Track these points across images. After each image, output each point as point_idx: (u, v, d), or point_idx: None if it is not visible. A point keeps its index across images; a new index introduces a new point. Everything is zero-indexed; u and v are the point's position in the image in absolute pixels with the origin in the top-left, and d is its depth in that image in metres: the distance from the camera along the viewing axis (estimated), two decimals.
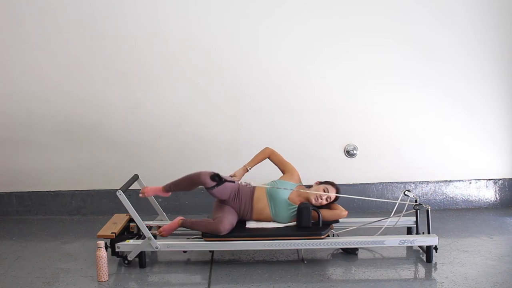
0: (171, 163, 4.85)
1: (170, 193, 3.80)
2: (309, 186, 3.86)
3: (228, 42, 4.75)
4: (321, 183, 3.84)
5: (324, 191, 3.73)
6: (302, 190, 3.78)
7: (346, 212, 3.74)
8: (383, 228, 3.77)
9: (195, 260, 3.78)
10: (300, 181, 3.93)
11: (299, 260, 3.73)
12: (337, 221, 3.79)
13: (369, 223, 3.92)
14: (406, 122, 4.86)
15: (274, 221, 3.78)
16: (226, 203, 3.78)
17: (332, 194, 3.75)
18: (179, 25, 4.73)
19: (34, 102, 4.83)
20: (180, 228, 3.80)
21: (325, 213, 3.71)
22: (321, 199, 3.72)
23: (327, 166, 4.86)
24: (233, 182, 3.74)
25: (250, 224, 3.77)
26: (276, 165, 3.97)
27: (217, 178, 3.63)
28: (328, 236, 3.64)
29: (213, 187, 3.64)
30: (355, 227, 3.87)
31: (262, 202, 3.78)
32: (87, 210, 4.98)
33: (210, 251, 3.84)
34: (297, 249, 3.84)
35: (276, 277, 3.46)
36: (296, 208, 3.71)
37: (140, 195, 3.79)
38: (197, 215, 4.53)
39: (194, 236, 3.77)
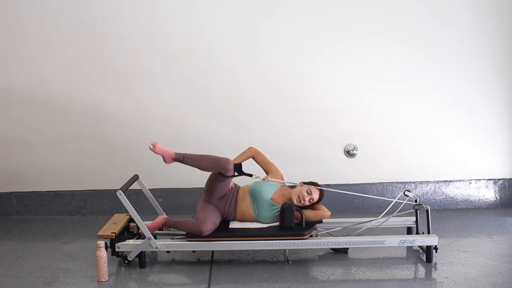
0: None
1: (173, 162, 3.72)
2: (293, 187, 3.86)
3: (228, 42, 4.75)
4: (305, 183, 3.81)
5: (308, 192, 3.72)
6: (282, 188, 3.78)
7: (329, 213, 3.73)
8: (375, 227, 3.75)
9: (195, 260, 3.78)
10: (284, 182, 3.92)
11: (299, 260, 3.73)
12: (320, 222, 3.78)
13: (360, 223, 3.86)
14: (406, 122, 4.86)
15: (257, 222, 3.76)
16: (211, 202, 3.77)
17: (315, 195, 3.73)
18: (179, 25, 4.73)
19: (34, 102, 4.82)
20: (172, 229, 3.80)
21: (308, 214, 3.70)
22: (304, 199, 3.71)
23: (327, 166, 4.86)
24: (251, 176, 3.72)
25: (234, 225, 3.75)
26: (260, 165, 3.97)
27: (239, 169, 3.65)
28: (311, 236, 3.63)
29: (230, 176, 3.64)
30: (341, 228, 3.83)
31: (245, 203, 3.77)
32: (87, 210, 4.98)
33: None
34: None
35: (276, 277, 3.46)
36: (279, 209, 3.70)
37: (150, 146, 3.66)
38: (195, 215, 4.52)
39: (179, 236, 3.76)
